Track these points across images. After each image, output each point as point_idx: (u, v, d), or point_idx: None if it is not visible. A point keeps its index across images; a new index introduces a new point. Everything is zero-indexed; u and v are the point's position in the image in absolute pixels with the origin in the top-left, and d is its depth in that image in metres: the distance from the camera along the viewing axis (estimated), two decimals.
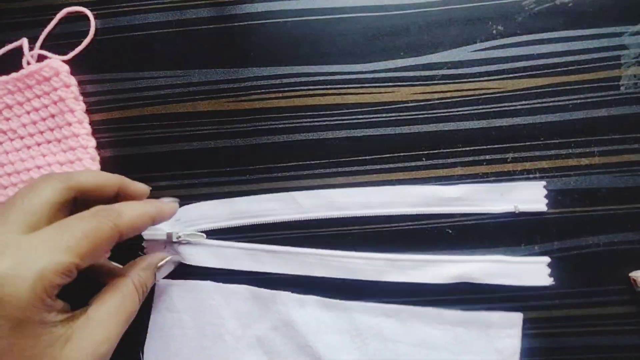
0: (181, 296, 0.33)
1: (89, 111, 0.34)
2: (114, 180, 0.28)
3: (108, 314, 0.25)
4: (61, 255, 0.21)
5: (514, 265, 0.32)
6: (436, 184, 0.33)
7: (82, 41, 0.34)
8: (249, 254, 0.33)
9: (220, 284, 0.33)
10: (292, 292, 0.32)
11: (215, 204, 0.33)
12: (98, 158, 0.34)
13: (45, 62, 0.34)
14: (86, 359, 0.23)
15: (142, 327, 0.33)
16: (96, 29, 0.35)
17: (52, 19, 0.35)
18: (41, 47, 0.35)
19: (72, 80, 0.34)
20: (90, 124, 0.34)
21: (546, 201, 0.32)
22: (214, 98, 0.34)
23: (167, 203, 0.30)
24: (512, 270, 0.32)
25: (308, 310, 0.32)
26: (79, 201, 0.26)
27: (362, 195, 0.33)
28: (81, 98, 0.34)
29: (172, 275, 0.33)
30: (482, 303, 0.32)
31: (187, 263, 0.33)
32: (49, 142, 0.34)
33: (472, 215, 0.32)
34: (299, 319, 0.32)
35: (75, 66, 0.34)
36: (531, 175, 0.32)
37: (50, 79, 0.33)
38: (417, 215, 0.32)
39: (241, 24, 0.34)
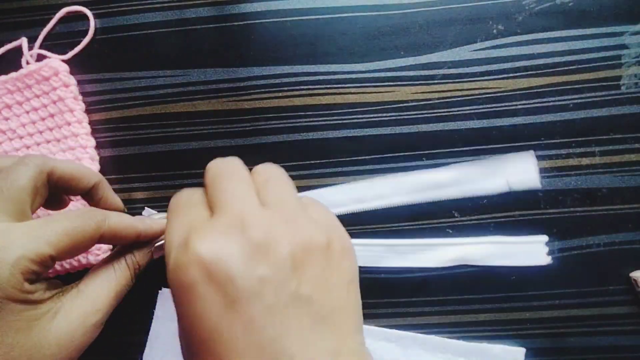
0: None
1: (88, 111, 0.34)
2: (90, 176, 0.29)
3: (98, 286, 0.26)
4: (40, 246, 0.23)
5: (512, 246, 0.32)
6: (428, 170, 0.32)
7: (81, 40, 0.34)
8: None
9: None
10: None
11: None
12: (97, 158, 0.34)
13: (45, 61, 0.33)
14: (75, 329, 0.25)
15: (142, 335, 0.33)
16: (96, 29, 0.35)
17: (51, 18, 0.35)
18: (40, 47, 0.35)
19: (72, 80, 0.34)
20: (89, 123, 0.34)
21: (538, 175, 0.32)
22: (213, 98, 0.34)
23: (158, 220, 0.30)
24: (510, 251, 0.32)
25: None
26: (52, 184, 0.27)
27: (355, 191, 0.32)
28: (80, 98, 0.34)
29: None
30: (482, 303, 0.32)
31: None
32: (48, 142, 0.34)
33: (472, 216, 0.32)
34: None
35: (75, 66, 0.34)
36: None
37: (50, 78, 0.33)
38: (417, 215, 0.32)
39: (241, 23, 0.34)
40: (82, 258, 0.33)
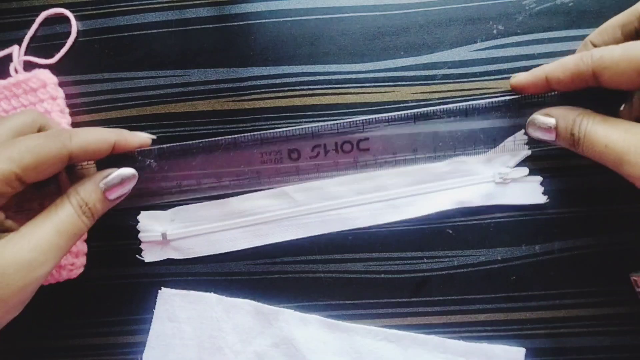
0: (183, 307, 0.33)
1: (87, 111, 0.34)
2: (107, 140, 0.28)
3: (35, 225, 0.26)
4: (2, 164, 0.24)
5: (508, 186, 0.32)
6: (428, 163, 0.32)
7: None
8: (246, 231, 0.33)
9: (223, 297, 0.33)
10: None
11: (209, 205, 0.33)
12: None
13: (33, 72, 0.33)
14: (8, 264, 0.24)
15: (142, 335, 0.33)
16: (78, 30, 0.34)
17: (37, 20, 0.34)
18: (30, 51, 0.34)
19: (60, 93, 0.33)
20: (87, 124, 0.34)
21: (526, 168, 0.32)
22: (213, 98, 0.34)
23: (138, 134, 0.31)
24: (507, 191, 0.32)
25: (310, 329, 0.32)
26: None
27: (354, 182, 0.32)
28: (67, 111, 0.34)
29: (176, 285, 0.33)
30: (482, 303, 0.32)
31: (188, 257, 0.33)
32: None
33: (472, 216, 0.32)
34: (300, 338, 0.32)
35: (75, 65, 0.34)
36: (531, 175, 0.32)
37: (37, 90, 0.33)
38: (420, 218, 0.32)
39: (241, 23, 0.34)
40: (55, 272, 0.33)
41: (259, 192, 0.33)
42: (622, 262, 0.32)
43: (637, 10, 0.27)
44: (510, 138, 0.31)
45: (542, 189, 0.32)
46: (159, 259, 0.33)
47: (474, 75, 0.33)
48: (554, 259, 0.32)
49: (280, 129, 0.32)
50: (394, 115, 0.31)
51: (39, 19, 0.34)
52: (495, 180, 0.32)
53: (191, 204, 0.33)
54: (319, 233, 0.32)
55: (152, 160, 0.31)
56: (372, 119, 0.31)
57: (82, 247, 0.33)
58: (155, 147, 0.31)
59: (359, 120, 0.31)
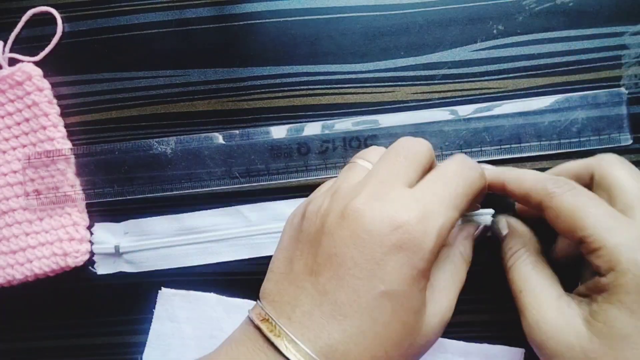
0: (183, 306, 0.33)
1: (87, 111, 0.34)
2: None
3: (447, 282, 0.25)
4: (452, 211, 0.23)
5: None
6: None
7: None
8: (197, 248, 0.33)
9: (224, 297, 0.33)
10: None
11: (162, 219, 0.33)
12: (74, 161, 0.33)
13: (18, 66, 0.33)
14: (438, 325, 0.24)
15: (142, 335, 0.33)
16: (64, 29, 0.34)
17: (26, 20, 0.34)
18: (22, 50, 0.34)
19: (45, 84, 0.33)
20: (87, 124, 0.34)
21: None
22: (213, 98, 0.34)
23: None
24: None
25: None
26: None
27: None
28: (55, 101, 0.34)
29: (176, 285, 0.33)
30: (482, 303, 0.32)
31: (140, 270, 0.33)
32: (24, 146, 0.33)
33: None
34: None
35: (75, 65, 0.34)
36: None
37: (23, 83, 0.33)
38: None
39: (241, 23, 0.34)
40: (60, 260, 0.33)
41: (213, 210, 0.33)
42: None
43: (591, 166, 0.26)
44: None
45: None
46: (111, 272, 0.33)
47: (474, 75, 0.33)
48: (554, 258, 0.32)
49: (291, 123, 0.32)
50: (402, 114, 0.32)
51: (25, 17, 0.34)
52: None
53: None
54: (271, 254, 0.30)
55: (168, 148, 0.32)
56: (380, 117, 0.32)
57: (85, 233, 0.33)
58: (173, 137, 0.32)
59: (369, 118, 0.32)
